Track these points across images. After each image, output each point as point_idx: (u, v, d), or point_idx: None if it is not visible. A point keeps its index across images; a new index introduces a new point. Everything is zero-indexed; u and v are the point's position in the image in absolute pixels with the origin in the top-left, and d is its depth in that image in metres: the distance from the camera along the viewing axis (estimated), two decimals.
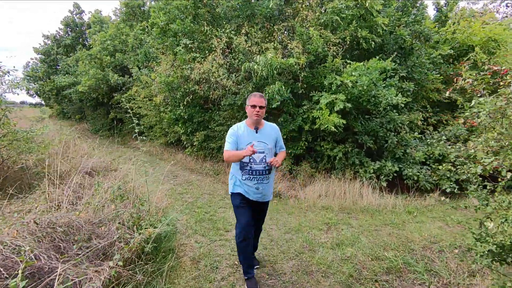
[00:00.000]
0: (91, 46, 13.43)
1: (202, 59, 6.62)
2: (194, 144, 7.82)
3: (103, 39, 12.22)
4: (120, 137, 14.24)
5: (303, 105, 6.33)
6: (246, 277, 2.63)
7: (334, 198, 5.42)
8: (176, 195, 5.31)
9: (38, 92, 21.55)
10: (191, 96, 7.04)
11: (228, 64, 6.58)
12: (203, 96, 7.13)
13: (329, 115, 5.51)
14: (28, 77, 23.10)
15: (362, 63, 5.59)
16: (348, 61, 5.89)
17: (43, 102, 23.78)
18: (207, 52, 6.80)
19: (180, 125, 8.18)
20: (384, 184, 5.85)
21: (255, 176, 2.51)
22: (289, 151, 6.55)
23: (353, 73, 5.54)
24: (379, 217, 4.72)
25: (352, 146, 6.33)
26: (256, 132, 2.55)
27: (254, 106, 2.50)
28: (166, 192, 5.38)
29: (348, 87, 5.54)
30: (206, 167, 7.26)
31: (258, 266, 2.99)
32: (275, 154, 2.71)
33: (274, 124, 2.79)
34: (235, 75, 6.43)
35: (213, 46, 6.48)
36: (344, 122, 5.48)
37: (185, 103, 7.08)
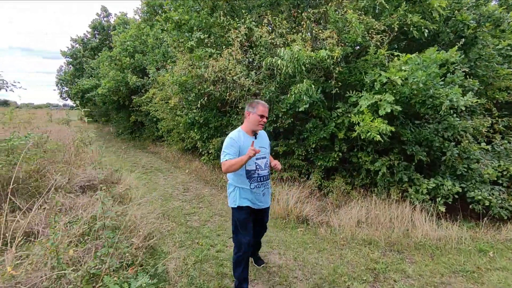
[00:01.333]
0: (113, 48, 13.15)
1: (218, 55, 5.73)
2: (210, 151, 6.95)
3: (123, 40, 11.84)
4: (141, 141, 13.84)
5: (337, 108, 5.21)
6: None
7: (377, 226, 4.25)
8: (182, 216, 4.42)
9: (70, 95, 22.08)
10: (206, 98, 6.16)
11: (247, 60, 5.63)
12: (219, 98, 6.23)
13: (371, 121, 4.35)
14: (61, 81, 23.83)
15: (414, 55, 4.38)
16: (396, 53, 4.70)
17: (73, 105, 24.41)
18: (224, 47, 5.90)
19: (195, 130, 7.35)
20: (442, 209, 4.58)
21: (262, 183, 2.56)
22: (319, 163, 5.46)
23: (404, 68, 4.35)
24: (442, 258, 3.50)
25: (399, 158, 5.11)
26: (256, 138, 2.55)
27: (262, 116, 2.47)
28: (171, 213, 4.52)
29: (397, 85, 4.36)
30: (223, 179, 6.35)
31: (264, 264, 3.12)
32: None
33: (263, 131, 2.80)
34: (255, 73, 5.46)
35: (230, 39, 5.56)
36: (393, 129, 4.30)
37: (199, 105, 6.22)
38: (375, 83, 4.60)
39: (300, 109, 4.91)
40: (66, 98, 26.46)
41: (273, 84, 5.35)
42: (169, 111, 8.58)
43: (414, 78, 4.08)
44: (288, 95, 4.99)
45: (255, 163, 2.49)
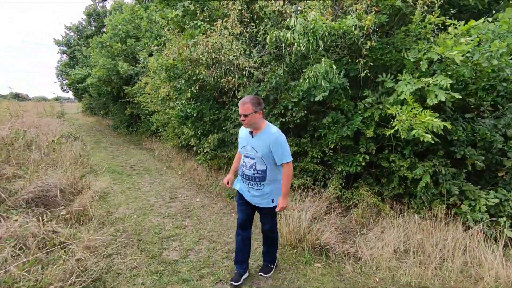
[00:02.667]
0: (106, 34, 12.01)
1: (213, 32, 4.53)
2: (206, 150, 5.81)
3: (115, 24, 10.69)
4: (137, 135, 12.80)
5: (364, 97, 3.99)
6: (234, 271, 2.66)
7: (424, 259, 3.07)
8: (157, 243, 3.30)
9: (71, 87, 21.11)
10: (198, 85, 4.99)
11: (247, 36, 4.42)
12: (215, 85, 5.06)
13: (418, 114, 3.14)
14: (61, 72, 22.90)
15: (481, 20, 3.12)
16: (450, 21, 3.43)
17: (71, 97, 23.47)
18: (219, 21, 4.69)
19: (189, 125, 6.22)
20: (510, 234, 3.38)
21: (245, 180, 2.52)
22: (339, 168, 4.27)
23: (464, 40, 3.10)
24: None
25: (444, 163, 3.90)
26: (252, 137, 2.46)
27: (240, 115, 2.39)
28: (144, 236, 3.40)
29: (453, 64, 3.13)
30: (219, 185, 5.22)
31: (264, 275, 2.76)
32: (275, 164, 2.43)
33: (275, 131, 2.38)
34: (258, 52, 4.26)
35: (226, 10, 4.35)
36: (448, 126, 3.08)
37: (189, 95, 5.06)
38: (421, 63, 3.36)
39: (316, 99, 3.72)
40: (67, 90, 25.58)
41: (280, 67, 4.14)
42: (161, 103, 7.45)
43: (486, 53, 2.83)
44: (301, 80, 3.79)
45: (243, 159, 2.53)
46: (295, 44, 3.77)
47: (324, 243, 3.23)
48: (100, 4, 17.34)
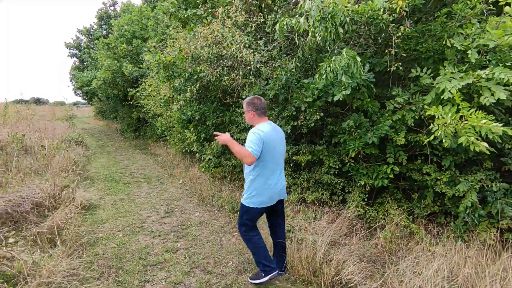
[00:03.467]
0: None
1: (214, 21, 3.97)
2: (209, 158, 5.24)
3: (121, 25, 10.37)
4: (144, 139, 12.42)
5: (394, 96, 3.32)
6: None
7: None
8: (139, 272, 2.71)
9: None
10: (200, 85, 4.44)
11: (254, 26, 3.83)
12: (217, 84, 4.49)
13: (465, 115, 2.46)
14: (73, 75, 23.00)
15: None
16: (504, 0, 2.74)
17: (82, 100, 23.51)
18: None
19: (191, 129, 5.67)
20: None
21: None
22: (362, 181, 3.59)
23: None
24: None
25: (494, 177, 3.18)
26: None
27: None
28: (125, 264, 2.82)
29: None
30: (222, 197, 4.62)
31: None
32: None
33: (258, 127, 2.45)
34: (266, 45, 3.66)
35: None
36: (510, 132, 2.38)
37: (188, 95, 4.51)
38: (469, 52, 2.68)
39: (335, 98, 3.08)
40: (79, 94, 25.72)
41: (293, 62, 3.52)
42: (164, 104, 6.95)
43: None
44: (316, 77, 3.15)
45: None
46: (310, 33, 3.16)
47: (347, 280, 2.55)
48: (112, 8, 17.24)
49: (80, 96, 24.31)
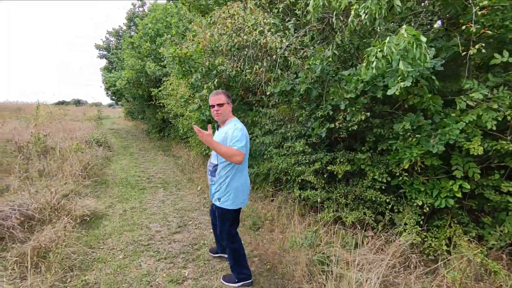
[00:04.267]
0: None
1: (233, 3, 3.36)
2: None
3: (145, 23, 10.15)
4: (168, 141, 12.18)
5: (465, 91, 2.52)
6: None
7: None
8: None
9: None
10: (220, 81, 3.86)
11: (281, 6, 3.17)
12: (237, 79, 3.88)
13: None
14: (103, 76, 23.65)
15: None
16: None
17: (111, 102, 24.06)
18: None
19: (211, 130, 5.11)
20: None
21: (208, 175, 2.52)
22: (419, 201, 2.80)
23: None
24: None
25: None
26: (217, 130, 2.46)
27: (212, 106, 2.33)
28: None
29: None
30: (242, 210, 4.01)
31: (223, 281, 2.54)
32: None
33: (234, 125, 2.27)
34: (295, 28, 2.99)
35: None
36: None
37: (205, 92, 3.95)
38: None
39: (389, 92, 2.34)
40: (110, 95, 26.46)
41: (330, 48, 2.82)
42: (184, 104, 6.48)
43: None
44: (364, 65, 2.43)
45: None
46: (353, 11, 2.46)
47: None
48: (140, 9, 17.36)
49: (109, 96, 25.00)
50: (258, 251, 3.13)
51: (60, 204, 3.31)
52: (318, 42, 3.19)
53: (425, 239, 2.83)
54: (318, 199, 3.24)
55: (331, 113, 2.85)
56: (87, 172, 5.50)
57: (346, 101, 2.73)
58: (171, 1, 11.47)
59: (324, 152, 3.32)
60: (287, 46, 2.95)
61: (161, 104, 9.82)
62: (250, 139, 4.42)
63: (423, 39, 2.11)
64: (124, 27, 17.67)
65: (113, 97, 17.99)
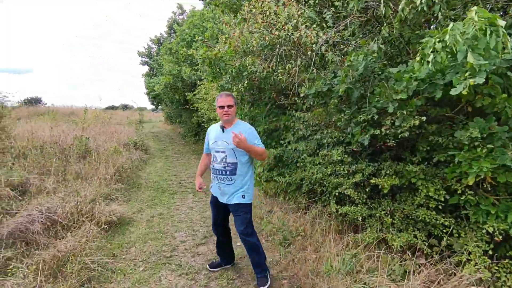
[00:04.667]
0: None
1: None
2: (259, 170, 4.39)
3: (182, 29, 10.35)
4: (203, 144, 12.27)
5: None
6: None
7: None
8: None
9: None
10: (251, 83, 3.62)
11: (316, 1, 2.83)
12: (267, 80, 3.60)
13: None
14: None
15: None
16: None
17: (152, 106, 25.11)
18: None
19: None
20: None
21: (216, 176, 2.49)
22: (489, 227, 2.27)
23: None
24: None
25: None
26: (223, 132, 2.45)
27: (222, 107, 2.39)
28: None
29: None
30: (272, 222, 3.69)
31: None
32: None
33: (248, 125, 2.51)
34: (333, 22, 2.64)
35: None
36: None
37: (235, 95, 3.72)
38: None
39: (454, 92, 1.89)
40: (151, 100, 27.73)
41: (375, 41, 2.42)
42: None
43: None
44: (417, 59, 2.00)
45: (214, 155, 2.48)
46: None
47: None
48: (180, 16, 17.97)
49: (150, 101, 26.18)
50: (288, 272, 2.79)
51: (88, 208, 3.27)
52: (360, 36, 2.79)
53: (496, 274, 2.28)
54: (359, 218, 2.81)
55: (375, 117, 2.43)
56: (121, 174, 5.58)
57: (395, 103, 2.30)
58: (208, 7, 11.61)
59: (366, 162, 2.90)
60: (324, 42, 2.60)
61: (195, 108, 9.91)
62: (282, 145, 4.11)
63: (501, 23, 1.65)
64: (165, 35, 18.39)
65: (153, 102, 18.72)
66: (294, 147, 3.59)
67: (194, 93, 8.70)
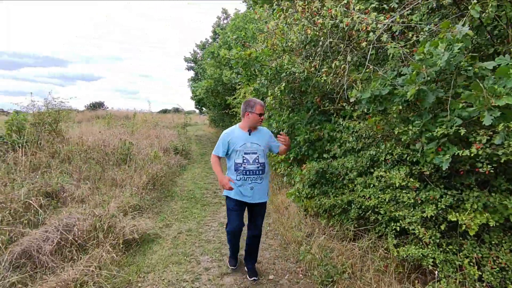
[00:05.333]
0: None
1: None
2: (298, 186, 3.81)
3: (224, 32, 10.18)
4: None
5: None
6: (229, 259, 2.97)
7: None
8: None
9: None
10: (284, 85, 3.09)
11: None
12: (313, 84, 3.02)
13: None
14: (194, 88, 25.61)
15: None
16: None
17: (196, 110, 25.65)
18: None
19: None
20: None
21: (249, 176, 2.59)
22: None
23: None
24: None
25: None
26: (249, 134, 2.60)
27: (261, 115, 2.55)
28: None
29: None
30: (311, 252, 3.08)
31: (256, 278, 2.77)
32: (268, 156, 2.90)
33: (265, 128, 2.81)
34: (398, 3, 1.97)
35: None
36: None
37: (269, 99, 3.22)
38: None
39: None
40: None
41: (463, 22, 1.72)
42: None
43: None
44: None
45: (243, 157, 2.57)
46: None
47: None
48: (225, 21, 18.07)
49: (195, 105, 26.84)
50: None
51: (110, 223, 3.00)
52: (435, 20, 2.09)
53: None
54: (429, 264, 2.09)
55: (462, 131, 1.72)
56: (155, 183, 5.40)
57: (495, 111, 1.57)
58: (251, 8, 11.32)
59: (440, 190, 2.16)
60: (385, 29, 1.95)
61: (234, 112, 9.62)
62: (326, 158, 3.47)
63: None
64: (210, 40, 18.65)
65: (197, 106, 19.06)
66: (341, 163, 2.95)
67: (233, 97, 8.39)
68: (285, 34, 3.24)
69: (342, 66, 2.25)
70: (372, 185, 2.62)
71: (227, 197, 2.71)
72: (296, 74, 2.81)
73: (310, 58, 2.90)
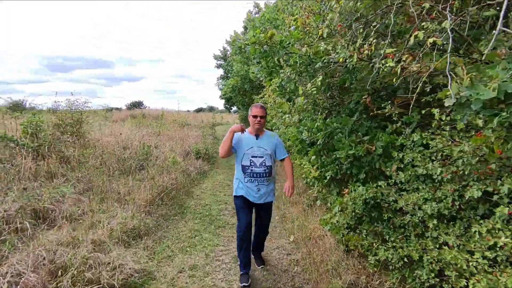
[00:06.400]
0: None
1: None
2: (337, 219, 2.80)
3: (253, 24, 9.31)
4: None
5: None
6: (241, 273, 2.79)
7: None
8: None
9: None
10: (321, 78, 2.10)
11: None
12: (358, 77, 2.01)
13: None
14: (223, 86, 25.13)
15: None
16: None
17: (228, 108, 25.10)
18: None
19: (312, 157, 3.37)
20: None
21: (256, 178, 2.71)
22: None
23: None
24: None
25: None
26: (256, 139, 2.73)
27: (255, 116, 2.67)
28: None
29: None
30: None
31: (263, 266, 3.03)
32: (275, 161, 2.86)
33: (274, 133, 2.88)
34: None
35: None
36: None
37: (300, 101, 2.27)
38: None
39: None
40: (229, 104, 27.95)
41: None
42: (281, 115, 4.98)
43: None
44: None
45: (250, 160, 2.69)
46: None
47: None
48: (257, 15, 17.19)
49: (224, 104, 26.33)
50: None
51: (88, 264, 2.25)
52: None
53: None
54: None
55: None
56: (163, 198, 4.67)
57: None
58: None
59: None
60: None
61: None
62: (379, 186, 2.43)
63: None
64: (241, 35, 17.90)
65: (226, 105, 18.46)
66: (410, 200, 1.90)
67: (260, 96, 7.49)
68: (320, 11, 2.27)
69: (432, 37, 1.23)
70: (459, 239, 1.56)
71: (235, 196, 2.83)
72: (340, 61, 1.84)
73: (360, 37, 1.89)
